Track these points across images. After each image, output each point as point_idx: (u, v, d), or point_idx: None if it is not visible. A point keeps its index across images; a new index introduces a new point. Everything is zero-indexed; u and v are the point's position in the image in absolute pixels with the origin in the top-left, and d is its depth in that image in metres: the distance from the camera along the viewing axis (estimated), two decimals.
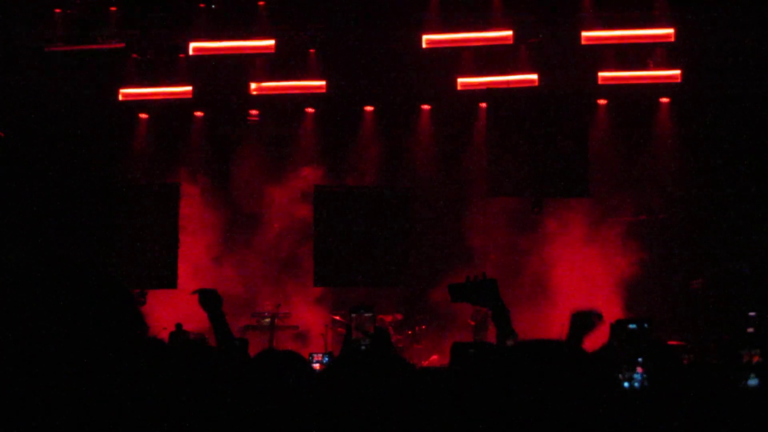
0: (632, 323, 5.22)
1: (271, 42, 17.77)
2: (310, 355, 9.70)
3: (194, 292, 6.04)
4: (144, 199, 19.06)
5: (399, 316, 17.97)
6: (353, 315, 6.81)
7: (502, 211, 18.60)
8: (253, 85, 18.56)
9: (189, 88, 18.44)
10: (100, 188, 19.01)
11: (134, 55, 18.14)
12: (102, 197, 18.93)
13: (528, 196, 18.13)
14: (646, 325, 5.20)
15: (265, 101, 19.07)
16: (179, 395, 2.45)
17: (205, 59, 18.02)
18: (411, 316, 18.20)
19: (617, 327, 5.23)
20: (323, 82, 18.35)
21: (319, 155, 19.54)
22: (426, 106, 19.35)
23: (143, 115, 19.41)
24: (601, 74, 17.57)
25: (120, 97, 18.61)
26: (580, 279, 17.21)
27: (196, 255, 18.79)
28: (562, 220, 18.22)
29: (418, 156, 19.44)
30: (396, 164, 19.53)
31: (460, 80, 18.09)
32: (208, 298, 5.84)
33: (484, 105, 18.76)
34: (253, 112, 19.27)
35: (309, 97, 18.92)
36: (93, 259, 17.27)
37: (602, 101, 18.51)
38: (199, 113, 19.63)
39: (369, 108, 19.50)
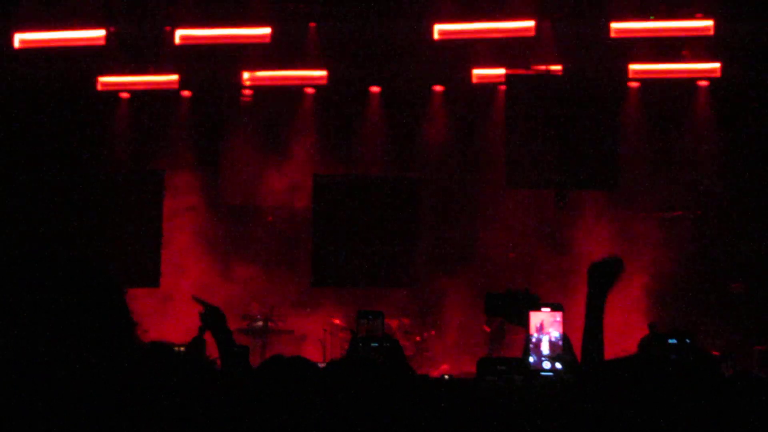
0: (672, 337, 5.14)
1: (267, 30, 17.88)
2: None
3: (197, 301, 6.00)
4: (125, 189, 19.00)
5: (406, 321, 17.93)
6: (362, 321, 6.76)
7: (521, 204, 18.55)
8: (246, 75, 18.67)
9: (175, 77, 18.61)
10: (76, 177, 18.98)
11: (115, 43, 18.35)
12: (79, 186, 18.90)
13: (551, 188, 18.04)
14: (688, 341, 5.11)
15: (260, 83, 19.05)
16: (181, 408, 2.47)
17: (193, 46, 18.19)
18: (420, 321, 18.17)
19: (654, 340, 5.17)
20: (324, 72, 18.46)
21: (319, 141, 19.41)
22: (438, 87, 19.18)
23: (124, 95, 19.36)
24: (632, 67, 17.72)
25: (99, 87, 18.74)
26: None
27: (181, 250, 18.74)
28: (589, 214, 18.15)
29: (428, 142, 19.30)
30: (404, 151, 19.41)
31: (475, 72, 18.28)
32: (213, 318, 5.81)
33: (503, 87, 18.62)
34: (247, 92, 19.24)
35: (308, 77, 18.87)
36: (72, 251, 17.21)
37: (634, 84, 18.39)
38: (186, 93, 19.51)
39: (375, 89, 19.36)
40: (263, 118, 19.46)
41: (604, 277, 4.66)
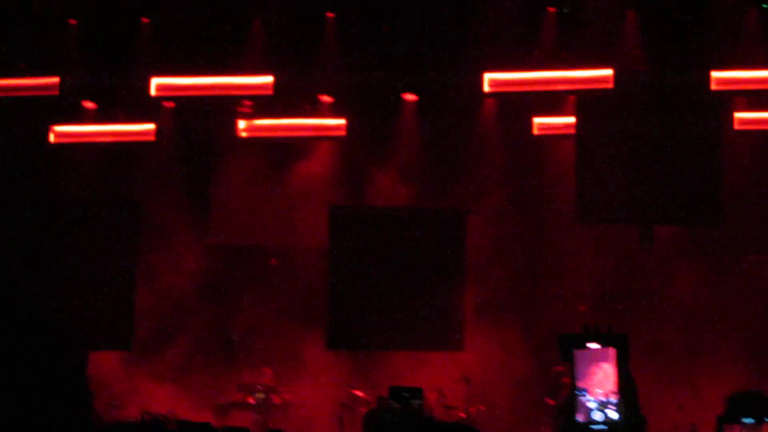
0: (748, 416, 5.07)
1: (269, 79, 18.71)
2: None
3: None
4: (93, 222, 19.08)
5: (447, 393, 17.82)
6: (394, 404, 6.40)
7: (596, 242, 18.72)
8: (242, 124, 19.32)
9: (151, 127, 19.41)
10: (35, 206, 19.19)
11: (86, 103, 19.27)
12: (38, 218, 19.07)
13: (633, 224, 18.21)
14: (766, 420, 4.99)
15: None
16: None
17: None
18: (465, 392, 18.00)
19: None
20: (342, 120, 19.13)
21: (338, 163, 19.45)
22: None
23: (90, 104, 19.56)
24: (738, 115, 18.58)
25: (51, 138, 19.46)
26: (699, 331, 17.60)
27: (161, 301, 18.74)
28: (680, 255, 18.42)
29: (477, 165, 19.24)
30: (446, 176, 19.29)
31: (536, 121, 19.08)
32: None
33: (572, 98, 18.79)
34: (247, 102, 19.48)
35: (325, 78, 18.94)
36: (27, 301, 17.49)
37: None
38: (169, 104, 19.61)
39: (410, 97, 19.31)
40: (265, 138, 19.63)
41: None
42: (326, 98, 19.29)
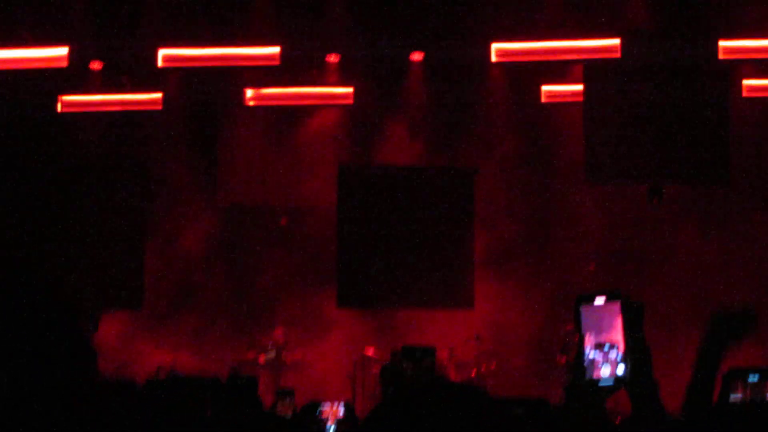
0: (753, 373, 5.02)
1: (276, 50, 18.62)
2: (317, 408, 8.95)
3: None
4: (103, 184, 19.11)
5: (458, 351, 17.80)
6: (406, 365, 6.37)
7: (604, 202, 18.71)
8: (249, 93, 19.30)
9: (158, 95, 19.38)
10: (44, 172, 19.10)
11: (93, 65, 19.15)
12: (45, 182, 19.03)
13: (643, 183, 18.15)
14: None
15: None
16: None
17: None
18: (476, 349, 17.99)
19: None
20: (350, 89, 19.13)
21: (347, 122, 19.44)
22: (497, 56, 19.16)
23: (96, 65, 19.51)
24: (746, 82, 18.77)
25: (59, 107, 19.38)
26: (706, 292, 17.35)
27: (172, 262, 18.88)
28: (690, 214, 18.41)
29: (484, 124, 19.22)
30: (455, 135, 19.24)
31: (545, 88, 19.13)
32: None
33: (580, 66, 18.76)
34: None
35: (333, 40, 18.91)
36: (28, 263, 17.54)
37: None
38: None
39: (417, 57, 19.23)
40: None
41: (728, 335, 4.55)
42: (333, 58, 19.20)
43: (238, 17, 18.84)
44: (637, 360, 3.99)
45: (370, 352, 17.60)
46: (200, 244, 19.10)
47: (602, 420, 3.83)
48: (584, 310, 3.97)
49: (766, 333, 16.03)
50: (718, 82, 18.16)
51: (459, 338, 17.94)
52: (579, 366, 3.95)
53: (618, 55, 18.08)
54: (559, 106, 19.22)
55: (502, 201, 19.16)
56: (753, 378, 5.49)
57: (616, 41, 18.09)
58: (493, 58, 18.66)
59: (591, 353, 3.92)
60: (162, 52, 18.93)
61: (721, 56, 18.06)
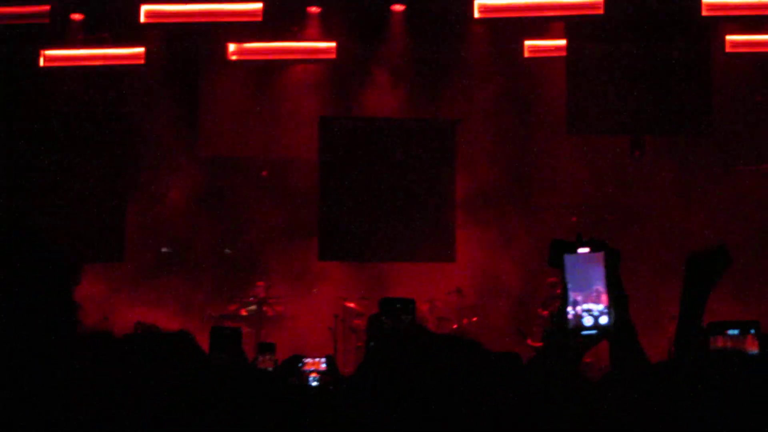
0: (734, 327, 4.99)
1: (258, 5, 18.54)
2: (299, 360, 8.94)
3: None
4: (85, 137, 18.99)
5: (439, 303, 17.82)
6: (383, 318, 6.33)
7: (585, 153, 18.69)
8: (232, 47, 19.24)
9: (140, 50, 19.25)
10: (25, 125, 19.09)
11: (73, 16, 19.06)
12: (27, 135, 18.95)
13: (623, 134, 18.22)
14: (752, 331, 4.92)
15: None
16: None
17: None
18: (457, 302, 18.02)
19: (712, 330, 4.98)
20: (332, 43, 19.03)
21: (328, 74, 19.33)
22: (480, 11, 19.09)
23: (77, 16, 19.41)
24: (729, 38, 18.76)
25: (42, 62, 19.29)
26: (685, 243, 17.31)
27: (152, 216, 18.89)
28: (672, 166, 18.41)
29: (466, 76, 19.12)
30: (437, 87, 19.15)
31: (527, 43, 19.18)
32: None
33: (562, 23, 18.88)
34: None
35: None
36: (10, 216, 17.56)
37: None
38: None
39: (398, 7, 19.09)
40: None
41: (707, 273, 4.54)
42: (314, 9, 19.13)
43: None
44: (616, 307, 3.99)
45: (351, 304, 17.59)
46: (182, 197, 18.99)
47: (575, 367, 3.82)
48: (567, 260, 3.94)
49: (747, 287, 16.13)
50: (700, 38, 18.24)
51: (440, 292, 17.97)
52: (562, 315, 3.93)
53: (601, 11, 18.01)
54: (542, 60, 19.16)
55: (485, 152, 19.06)
56: (733, 331, 5.51)
57: None
58: (476, 14, 18.54)
59: (574, 302, 3.90)
60: (144, 8, 18.82)
61: (703, 13, 18.04)
